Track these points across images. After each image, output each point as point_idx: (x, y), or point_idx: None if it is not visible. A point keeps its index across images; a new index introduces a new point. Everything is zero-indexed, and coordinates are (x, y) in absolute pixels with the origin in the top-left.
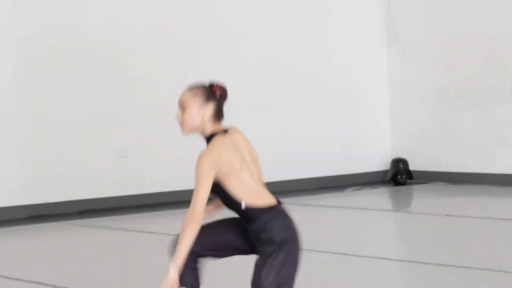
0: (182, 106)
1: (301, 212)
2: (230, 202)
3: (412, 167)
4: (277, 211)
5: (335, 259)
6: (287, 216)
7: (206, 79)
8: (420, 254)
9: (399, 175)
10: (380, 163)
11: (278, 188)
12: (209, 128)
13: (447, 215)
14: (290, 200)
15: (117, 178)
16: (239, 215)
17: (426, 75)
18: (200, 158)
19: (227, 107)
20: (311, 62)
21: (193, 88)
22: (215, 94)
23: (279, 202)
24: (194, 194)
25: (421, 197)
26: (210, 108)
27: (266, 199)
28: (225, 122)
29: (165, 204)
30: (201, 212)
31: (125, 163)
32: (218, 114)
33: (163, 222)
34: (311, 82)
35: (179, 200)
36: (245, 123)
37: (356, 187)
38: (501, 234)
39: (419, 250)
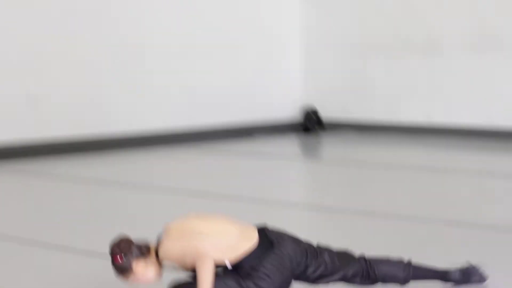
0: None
1: (211, 158)
2: None
3: (323, 115)
4: None
5: (243, 205)
6: None
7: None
8: (329, 201)
9: (310, 123)
10: (290, 110)
11: (189, 134)
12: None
13: (357, 163)
14: (200, 145)
15: (27, 122)
16: None
17: (339, 25)
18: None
19: (139, 51)
20: (221, 7)
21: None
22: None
23: None
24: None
25: (331, 145)
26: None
27: None
28: (136, 67)
29: (74, 148)
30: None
31: (35, 108)
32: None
33: (73, 166)
34: (223, 28)
35: (88, 145)
36: (156, 68)
37: (266, 134)
38: (408, 182)
39: (328, 197)
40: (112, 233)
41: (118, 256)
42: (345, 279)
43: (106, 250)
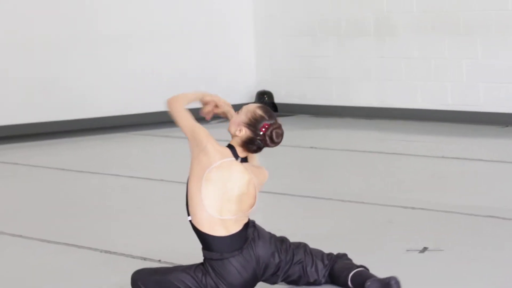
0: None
1: (165, 144)
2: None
3: (277, 99)
4: None
5: None
6: None
7: None
8: (284, 185)
9: None
10: (245, 95)
11: (143, 120)
12: (239, 148)
13: (311, 147)
14: (154, 132)
15: None
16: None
17: (291, 8)
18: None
19: (88, 38)
20: None
21: (252, 108)
22: (260, 130)
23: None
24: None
25: (286, 130)
26: (244, 133)
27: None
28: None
29: (26, 135)
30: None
31: None
32: (248, 145)
33: (25, 153)
34: (176, 14)
35: (39, 132)
36: (108, 54)
37: (220, 119)
38: (362, 166)
39: (283, 181)
40: (70, 219)
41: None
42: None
43: (61, 238)
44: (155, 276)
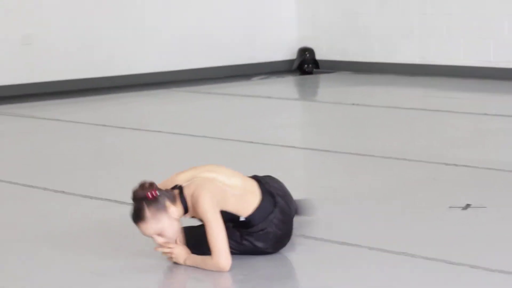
0: (160, 234)
1: (208, 100)
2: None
3: (318, 56)
4: None
5: (240, 147)
6: None
7: None
8: (326, 142)
9: (306, 64)
10: (286, 52)
11: (185, 77)
12: (177, 205)
13: (353, 104)
14: (197, 88)
15: (22, 65)
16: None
17: None
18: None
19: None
20: None
21: (144, 214)
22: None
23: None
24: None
25: (327, 87)
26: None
27: None
28: (131, 10)
29: (69, 92)
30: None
31: (30, 50)
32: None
33: (68, 109)
34: None
35: (84, 88)
36: (152, 11)
37: (262, 76)
38: (405, 123)
39: (325, 138)
40: (111, 176)
41: (151, 192)
42: None
43: (105, 194)
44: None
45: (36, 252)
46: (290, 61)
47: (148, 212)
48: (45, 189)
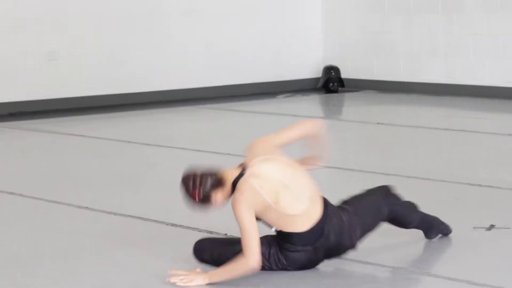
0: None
1: (233, 118)
2: None
3: (343, 75)
4: None
5: None
6: None
7: None
8: (350, 161)
9: (331, 82)
10: (312, 70)
11: (210, 94)
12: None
13: (378, 123)
14: (222, 106)
15: (47, 80)
16: None
17: None
18: None
19: (158, 12)
20: None
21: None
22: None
23: None
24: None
25: (352, 105)
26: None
27: None
28: (157, 27)
29: (94, 108)
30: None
31: (55, 66)
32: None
33: (93, 125)
34: None
35: (109, 104)
36: (178, 28)
37: (287, 94)
38: (429, 142)
39: (350, 157)
40: (135, 193)
41: (196, 193)
42: None
43: (128, 210)
44: (218, 247)
45: (62, 268)
46: (316, 79)
47: (195, 206)
48: (69, 205)
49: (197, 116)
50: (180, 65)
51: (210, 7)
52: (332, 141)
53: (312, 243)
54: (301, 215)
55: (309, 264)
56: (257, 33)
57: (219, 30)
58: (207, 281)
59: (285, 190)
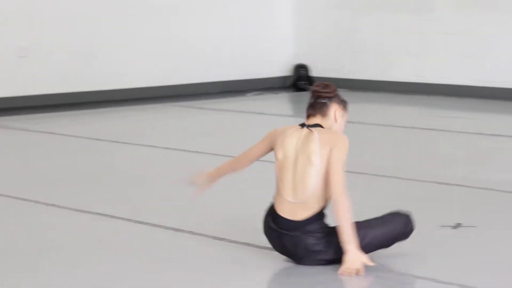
0: None
1: (202, 116)
2: None
3: (314, 73)
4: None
5: None
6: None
7: None
8: None
9: (301, 81)
10: (281, 68)
11: (179, 92)
12: None
13: (348, 121)
14: (191, 103)
15: (18, 77)
16: None
17: None
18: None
19: (127, 8)
20: None
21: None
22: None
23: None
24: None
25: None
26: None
27: None
28: (126, 24)
29: (64, 105)
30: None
31: (25, 63)
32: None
33: (62, 123)
34: None
35: (79, 102)
36: (147, 25)
37: (257, 92)
38: (399, 141)
39: None
40: (103, 190)
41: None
42: None
43: (95, 208)
44: None
45: (31, 264)
46: (286, 78)
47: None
48: (36, 202)
49: (166, 114)
50: (149, 63)
51: (180, 4)
52: None
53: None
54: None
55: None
56: (227, 31)
57: (189, 27)
58: (356, 248)
59: None
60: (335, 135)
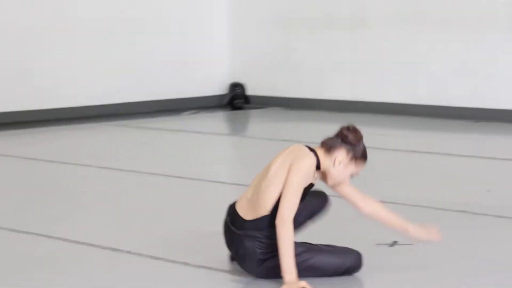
0: None
1: (137, 135)
2: None
3: (249, 91)
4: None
5: (169, 181)
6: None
7: None
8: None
9: (236, 99)
10: (217, 87)
11: (115, 111)
12: None
13: (283, 140)
14: (127, 122)
15: None
16: None
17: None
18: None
19: (63, 27)
20: None
21: None
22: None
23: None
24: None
25: (258, 122)
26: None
27: None
28: (62, 43)
29: (1, 124)
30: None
31: None
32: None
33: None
34: (147, 5)
35: (14, 121)
36: (83, 44)
37: (193, 111)
38: None
39: (254, 174)
40: (38, 210)
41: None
42: None
43: (32, 227)
44: None
45: None
46: (221, 96)
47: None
48: None
49: (103, 133)
50: (85, 82)
51: (116, 23)
52: (237, 158)
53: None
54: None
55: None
56: (163, 49)
57: (125, 46)
58: (292, 275)
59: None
60: (300, 155)
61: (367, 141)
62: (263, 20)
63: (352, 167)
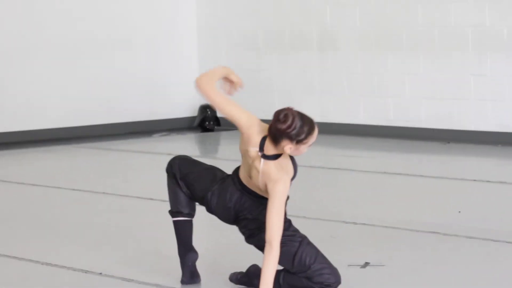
0: None
1: (107, 157)
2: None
3: (219, 113)
4: None
5: (140, 203)
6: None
7: None
8: None
9: (207, 121)
10: (187, 109)
11: (85, 133)
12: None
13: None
14: (98, 145)
15: None
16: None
17: (234, 20)
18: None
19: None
20: (117, 3)
21: None
22: None
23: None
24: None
25: (229, 144)
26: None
27: None
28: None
29: None
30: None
31: None
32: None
33: None
34: (117, 25)
35: None
36: (52, 65)
37: (163, 133)
38: (303, 180)
39: None
40: (11, 231)
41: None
42: None
43: (1, 249)
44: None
45: None
46: (192, 118)
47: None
48: None
49: (72, 155)
50: (54, 104)
51: (84, 44)
52: None
53: None
54: None
55: None
56: (132, 71)
57: (94, 67)
58: None
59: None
60: (272, 176)
61: (336, 162)
62: (232, 41)
63: (303, 146)
